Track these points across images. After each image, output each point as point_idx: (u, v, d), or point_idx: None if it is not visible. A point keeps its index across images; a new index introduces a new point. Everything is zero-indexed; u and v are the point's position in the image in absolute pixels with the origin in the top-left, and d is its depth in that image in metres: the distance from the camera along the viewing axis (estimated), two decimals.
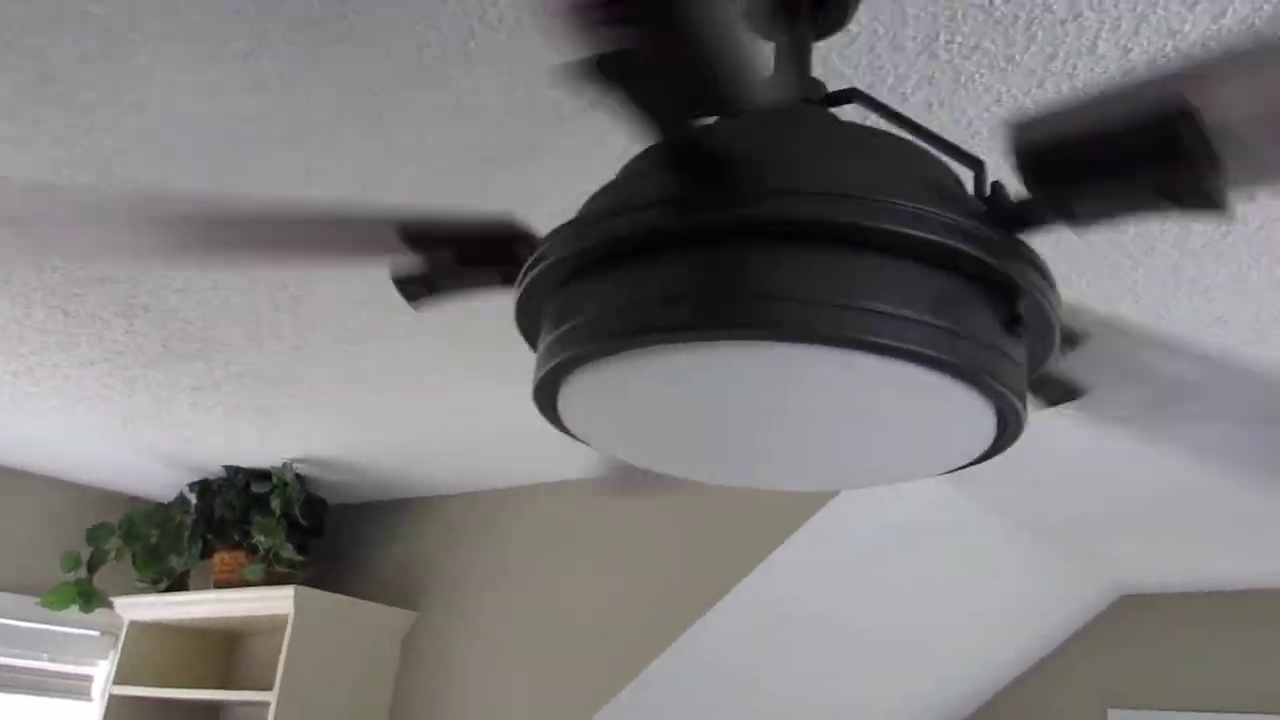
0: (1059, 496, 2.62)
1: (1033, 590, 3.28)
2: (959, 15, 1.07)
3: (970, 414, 0.75)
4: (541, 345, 0.78)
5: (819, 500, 2.45)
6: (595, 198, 0.77)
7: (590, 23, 0.55)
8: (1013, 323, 0.73)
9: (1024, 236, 0.72)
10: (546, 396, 0.80)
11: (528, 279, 0.76)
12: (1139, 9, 1.03)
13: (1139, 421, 1.01)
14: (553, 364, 0.74)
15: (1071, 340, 0.94)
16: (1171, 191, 0.64)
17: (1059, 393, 0.96)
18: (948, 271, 0.69)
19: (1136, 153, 0.63)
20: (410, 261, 0.94)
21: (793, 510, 2.49)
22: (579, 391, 0.76)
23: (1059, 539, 2.99)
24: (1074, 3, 1.04)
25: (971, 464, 0.86)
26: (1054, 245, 1.47)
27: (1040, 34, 1.08)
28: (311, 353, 2.11)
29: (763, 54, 1.16)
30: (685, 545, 2.65)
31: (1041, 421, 2.12)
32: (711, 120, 0.66)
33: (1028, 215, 0.71)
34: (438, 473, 2.97)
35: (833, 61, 1.14)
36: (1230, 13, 1.02)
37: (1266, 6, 1.02)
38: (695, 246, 0.67)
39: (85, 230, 0.98)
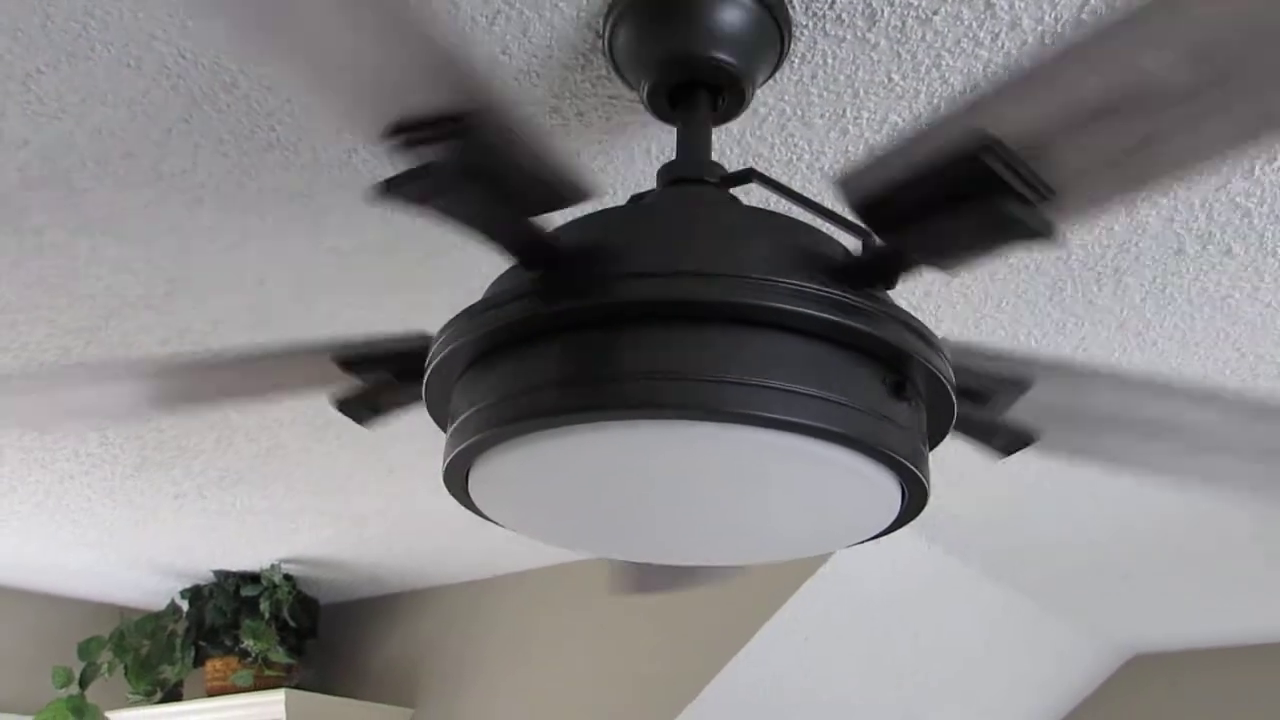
0: (1058, 555, 2.60)
1: (1039, 654, 3.23)
2: (861, 93, 1.11)
3: (869, 482, 0.76)
4: (446, 435, 0.80)
5: (806, 571, 2.43)
6: (488, 288, 0.79)
7: (409, 142, 0.58)
8: (898, 387, 0.74)
9: (901, 283, 0.73)
10: (456, 482, 0.82)
11: (426, 375, 0.78)
12: None
13: (1117, 456, 0.99)
14: (455, 452, 0.76)
15: (1018, 388, 0.94)
16: (997, 223, 0.65)
17: (1009, 441, 0.96)
18: (823, 341, 0.71)
19: (956, 189, 0.65)
20: (350, 386, 0.98)
21: (784, 582, 2.47)
22: (485, 477, 0.78)
23: (1063, 599, 2.96)
24: (969, 74, 1.08)
25: (885, 533, 0.87)
26: (996, 306, 1.50)
27: (944, 104, 1.11)
28: (285, 453, 2.12)
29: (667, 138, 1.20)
30: (679, 624, 2.63)
31: (1035, 479, 2.12)
32: (548, 214, 0.68)
33: (891, 265, 0.72)
34: (427, 564, 2.96)
35: (747, 141, 1.18)
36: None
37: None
38: (567, 332, 0.69)
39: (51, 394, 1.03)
